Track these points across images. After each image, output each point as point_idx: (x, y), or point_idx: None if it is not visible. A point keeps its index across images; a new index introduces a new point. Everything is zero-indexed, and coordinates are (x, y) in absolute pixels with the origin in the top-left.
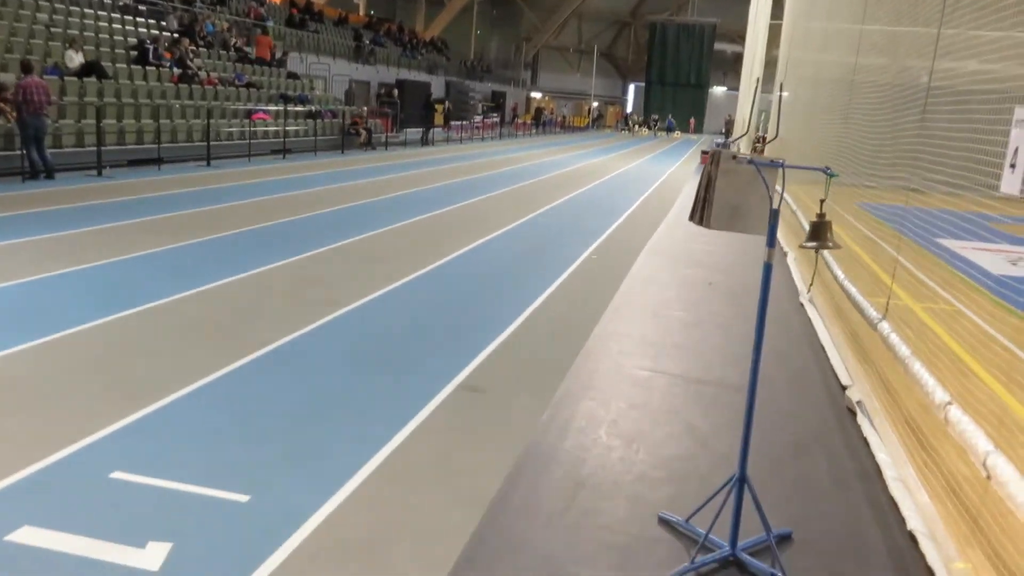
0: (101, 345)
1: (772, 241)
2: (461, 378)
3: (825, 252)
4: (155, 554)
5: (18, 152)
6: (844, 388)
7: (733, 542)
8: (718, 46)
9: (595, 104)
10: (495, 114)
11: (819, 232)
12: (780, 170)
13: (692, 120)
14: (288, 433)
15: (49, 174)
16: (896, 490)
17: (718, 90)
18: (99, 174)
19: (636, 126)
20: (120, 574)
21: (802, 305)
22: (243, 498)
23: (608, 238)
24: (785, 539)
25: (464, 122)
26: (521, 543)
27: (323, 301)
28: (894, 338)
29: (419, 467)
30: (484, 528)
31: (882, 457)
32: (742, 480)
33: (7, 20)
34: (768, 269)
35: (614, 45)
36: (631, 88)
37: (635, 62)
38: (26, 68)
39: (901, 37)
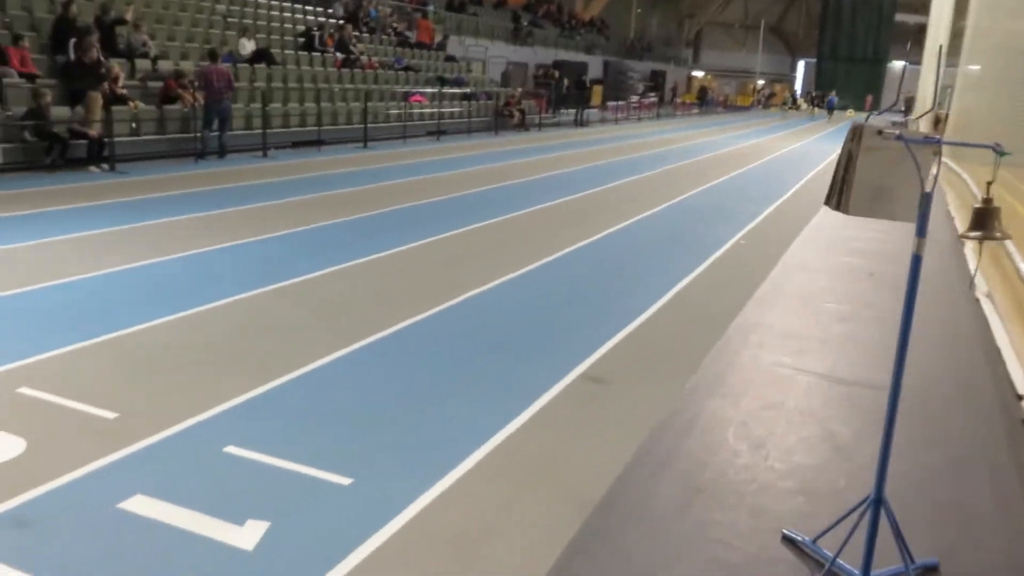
0: (238, 320)
1: (923, 230)
2: (585, 367)
3: (1009, 242)
4: (252, 533)
5: (192, 135)
6: (1020, 398)
7: (865, 570)
8: (899, 17)
9: (761, 82)
10: (653, 94)
11: (984, 220)
12: (937, 147)
13: (869, 97)
14: (400, 416)
15: (221, 154)
16: None
17: (898, 64)
18: (264, 155)
19: (804, 104)
20: (216, 550)
21: (978, 300)
22: (345, 481)
23: (761, 222)
24: (930, 570)
25: (621, 102)
26: (623, 551)
27: (457, 282)
28: None
29: (527, 461)
30: (585, 531)
31: None
32: (878, 501)
33: (189, 11)
34: (917, 261)
35: (783, 19)
36: (801, 64)
37: (806, 37)
38: (212, 56)
39: None
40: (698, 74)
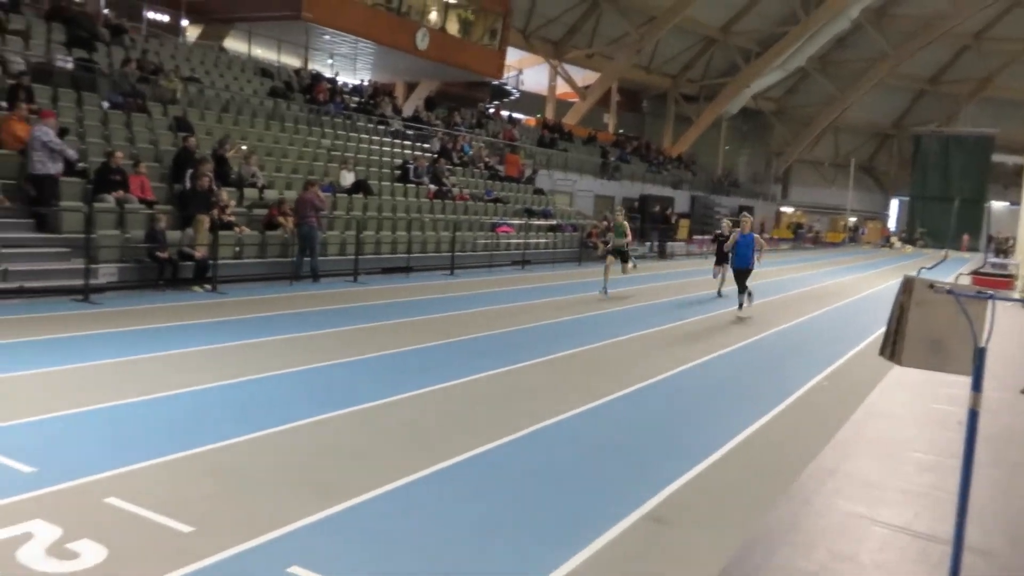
0: (315, 441)
1: (978, 384)
2: (648, 507)
3: None
4: None
5: (289, 259)
6: None
7: None
8: (997, 157)
9: (853, 219)
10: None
11: None
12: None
13: (966, 237)
14: (460, 546)
15: (315, 278)
16: None
17: (997, 205)
18: (355, 280)
19: (898, 242)
20: None
21: None
22: None
23: (845, 364)
24: None
25: (707, 236)
26: None
27: (528, 412)
28: None
29: None
30: None
31: None
32: None
33: (296, 145)
34: (973, 417)
35: (875, 158)
36: (894, 202)
37: (898, 175)
38: (305, 185)
39: None
40: (787, 210)
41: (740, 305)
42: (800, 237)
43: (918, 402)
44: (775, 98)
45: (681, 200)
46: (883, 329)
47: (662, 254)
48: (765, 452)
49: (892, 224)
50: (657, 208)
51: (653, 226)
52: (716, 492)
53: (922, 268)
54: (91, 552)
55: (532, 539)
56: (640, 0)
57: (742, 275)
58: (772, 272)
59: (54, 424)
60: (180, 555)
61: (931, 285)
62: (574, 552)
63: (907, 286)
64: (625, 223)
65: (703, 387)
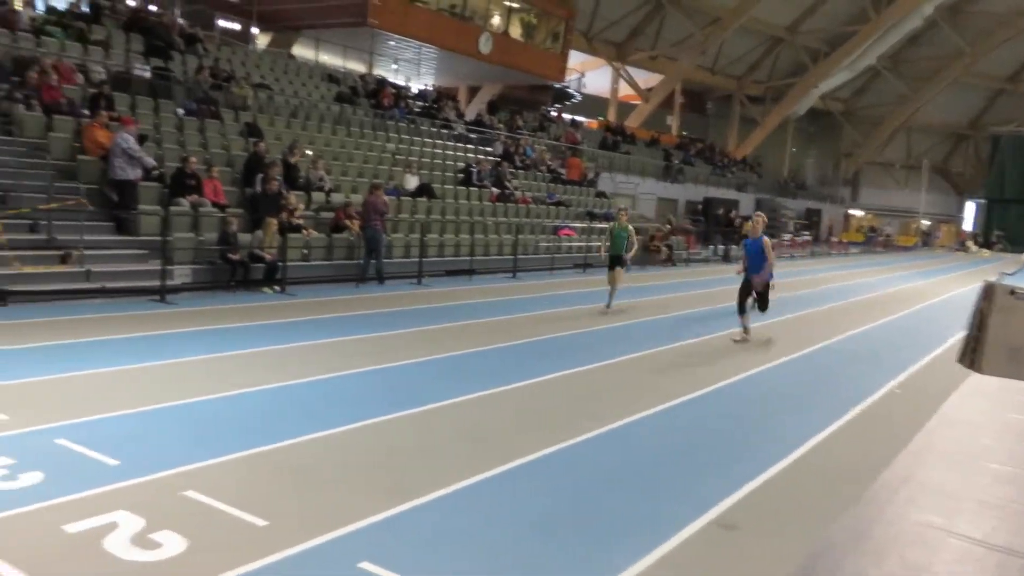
0: (383, 440)
1: None
2: (717, 512)
3: None
4: None
5: (355, 261)
6: None
7: None
8: None
9: (926, 222)
10: (807, 232)
11: None
12: None
13: None
14: (528, 545)
15: (380, 280)
16: None
17: None
18: (419, 282)
19: (974, 246)
20: None
21: None
22: None
23: (919, 371)
24: None
25: (772, 239)
26: None
27: (593, 415)
28: None
29: None
30: None
31: None
32: None
33: (362, 149)
34: None
35: (949, 159)
36: (970, 205)
37: (974, 177)
38: (371, 189)
39: None
40: (856, 213)
41: (744, 327)
42: (871, 241)
43: (995, 411)
44: (844, 98)
45: (746, 203)
46: (959, 336)
47: (726, 257)
48: (835, 459)
49: (968, 227)
50: (721, 211)
51: (717, 229)
52: (786, 498)
53: (1002, 273)
54: (172, 542)
55: (600, 541)
56: (705, 1)
57: (751, 288)
58: (842, 276)
59: (136, 419)
60: (256, 548)
61: (1012, 291)
62: (641, 555)
63: (987, 292)
64: (629, 227)
65: (772, 392)
